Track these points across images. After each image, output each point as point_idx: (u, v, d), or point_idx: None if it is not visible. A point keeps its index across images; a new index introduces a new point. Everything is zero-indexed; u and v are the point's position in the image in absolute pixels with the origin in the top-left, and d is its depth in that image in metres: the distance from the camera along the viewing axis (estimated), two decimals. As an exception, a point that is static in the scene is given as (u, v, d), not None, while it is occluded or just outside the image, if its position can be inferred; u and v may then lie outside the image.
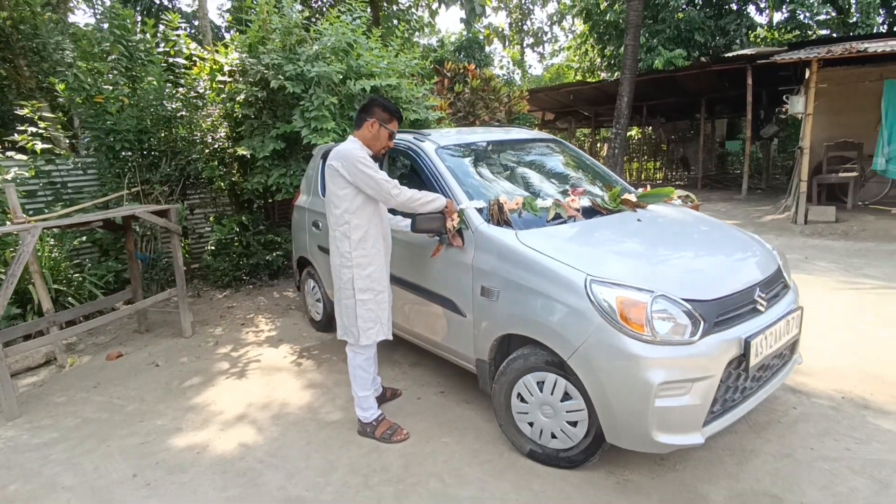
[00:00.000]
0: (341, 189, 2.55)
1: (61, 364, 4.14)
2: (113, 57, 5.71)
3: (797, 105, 7.67)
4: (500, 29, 25.43)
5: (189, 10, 17.91)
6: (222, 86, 5.60)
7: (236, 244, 6.31)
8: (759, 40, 16.12)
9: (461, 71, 8.80)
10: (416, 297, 3.08)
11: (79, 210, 5.70)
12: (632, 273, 2.23)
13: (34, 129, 6.00)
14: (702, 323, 2.08)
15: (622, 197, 3.04)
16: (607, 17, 15.68)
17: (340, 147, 2.58)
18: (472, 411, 3.03)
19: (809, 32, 15.33)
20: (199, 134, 6.01)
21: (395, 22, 6.58)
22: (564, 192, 3.07)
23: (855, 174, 8.29)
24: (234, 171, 6.04)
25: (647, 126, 16.71)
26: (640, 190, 3.33)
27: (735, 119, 17.16)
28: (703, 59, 12.36)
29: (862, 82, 8.43)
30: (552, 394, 2.32)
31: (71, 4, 11.64)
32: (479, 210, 2.73)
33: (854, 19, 14.22)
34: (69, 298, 4.99)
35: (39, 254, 5.03)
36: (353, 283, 2.63)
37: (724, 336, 2.12)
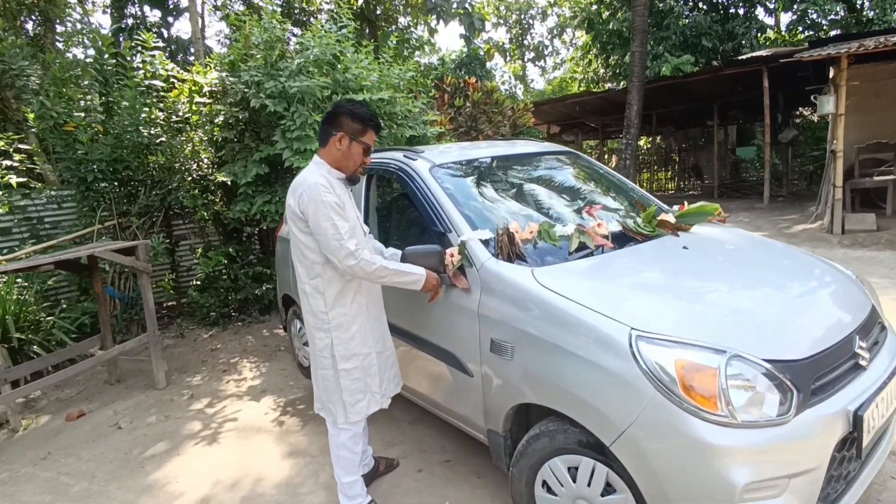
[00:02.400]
0: (305, 233, 2.03)
1: (14, 427, 3.62)
2: (86, 82, 5.29)
3: (826, 105, 7.11)
4: (500, 43, 25.18)
5: (186, 36, 17.79)
6: (203, 108, 5.15)
7: (224, 278, 5.81)
8: (769, 42, 15.63)
9: (462, 85, 8.35)
10: (411, 348, 2.54)
11: (51, 247, 5.25)
12: (691, 323, 1.68)
13: (8, 163, 5.61)
14: (795, 393, 1.51)
15: (658, 217, 2.49)
16: (610, 27, 15.28)
17: (300, 176, 2.06)
18: (485, 489, 2.45)
19: (821, 33, 14.82)
20: (179, 160, 5.56)
21: (394, 42, 6.09)
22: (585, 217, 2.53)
23: (893, 177, 7.67)
24: (217, 200, 5.56)
25: (657, 135, 16.19)
26: (677, 208, 2.78)
27: (747, 124, 16.60)
28: (714, 62, 11.86)
29: (892, 78, 7.86)
30: (589, 485, 1.75)
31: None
32: (485, 242, 2.20)
33: (869, 15, 13.70)
34: (35, 347, 4.50)
35: (4, 295, 4.56)
36: (332, 349, 2.10)
37: (826, 409, 1.55)
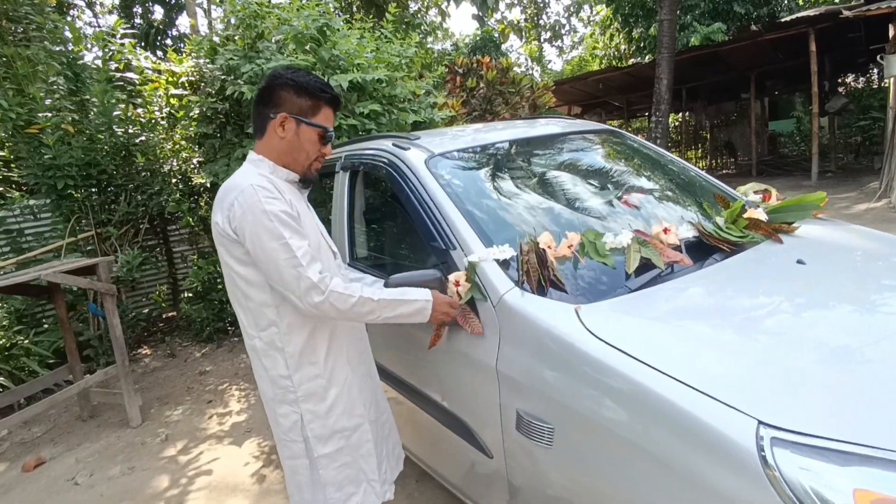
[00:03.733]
0: (244, 263, 1.39)
1: (-38, 482, 3.10)
2: (52, 78, 4.74)
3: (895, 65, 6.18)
4: (515, 22, 24.14)
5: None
6: (180, 101, 4.55)
7: (219, 288, 5.25)
8: (808, 4, 14.41)
9: (474, 65, 7.62)
10: (406, 400, 1.89)
11: (25, 262, 4.75)
12: (868, 411, 0.99)
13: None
14: None
15: (746, 215, 1.78)
16: (633, -3, 14.27)
17: (230, 180, 1.42)
18: None
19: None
20: (161, 161, 4.99)
21: (392, 16, 5.36)
22: (645, 221, 1.83)
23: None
24: (203, 203, 4.99)
25: (687, 111, 15.14)
26: (758, 197, 2.06)
27: (783, 96, 15.43)
28: (753, 27, 10.83)
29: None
30: None
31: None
32: (504, 263, 1.52)
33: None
34: (1, 379, 4.00)
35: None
36: (302, 429, 1.46)
37: None
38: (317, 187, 1.55)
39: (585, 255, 1.55)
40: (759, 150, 13.26)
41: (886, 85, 7.45)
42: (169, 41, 16.36)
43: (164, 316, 5.89)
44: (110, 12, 17.05)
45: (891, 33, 7.37)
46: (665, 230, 1.64)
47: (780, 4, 13.69)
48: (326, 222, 2.31)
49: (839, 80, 13.04)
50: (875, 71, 13.82)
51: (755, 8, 13.44)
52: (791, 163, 12.40)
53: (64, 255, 4.48)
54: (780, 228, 1.74)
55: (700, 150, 16.31)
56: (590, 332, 1.25)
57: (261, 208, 1.30)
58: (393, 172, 1.94)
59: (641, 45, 14.97)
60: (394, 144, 2.03)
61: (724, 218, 1.76)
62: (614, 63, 16.90)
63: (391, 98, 4.09)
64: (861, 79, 15.34)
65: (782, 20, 10.14)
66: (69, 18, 12.53)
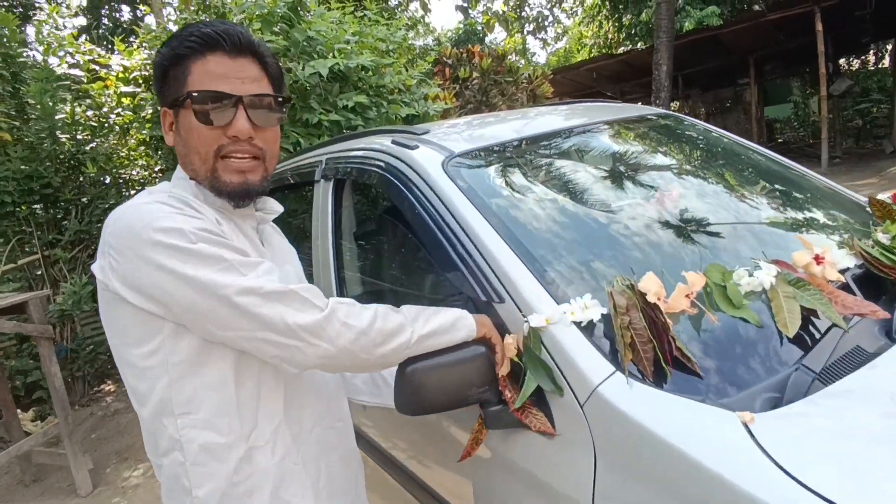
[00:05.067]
0: (136, 337, 0.82)
1: None
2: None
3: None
4: (501, 13, 23.57)
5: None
6: (132, 99, 3.91)
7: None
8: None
9: (464, 55, 7.04)
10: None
11: None
12: None
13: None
14: None
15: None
16: (623, -18, 13.76)
17: (114, 214, 0.84)
18: None
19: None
20: (115, 170, 4.35)
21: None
22: (761, 240, 1.26)
23: None
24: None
25: (685, 98, 14.67)
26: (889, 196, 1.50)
27: (777, 80, 15.04)
28: (756, 7, 10.37)
29: None
30: None
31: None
32: (587, 328, 0.94)
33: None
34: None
35: None
36: None
37: None
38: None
39: (716, 307, 0.98)
40: (760, 139, 12.84)
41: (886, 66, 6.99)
42: (135, 40, 15.59)
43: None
44: (76, 15, 16.20)
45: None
46: (817, 258, 1.07)
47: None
48: (304, 250, 1.72)
49: (839, 63, 12.66)
50: (872, 52, 13.49)
51: (749, -10, 13.00)
52: (794, 149, 11.99)
53: (0, 284, 3.83)
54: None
55: (695, 139, 15.86)
56: (783, 470, 0.67)
57: (157, 226, 0.76)
58: (395, 181, 1.35)
59: (632, 32, 14.47)
60: (394, 142, 1.44)
61: (890, 233, 1.20)
62: (604, 52, 16.41)
63: (378, 89, 3.50)
64: (856, 61, 15.02)
65: (784, -1, 9.70)
66: (35, 22, 11.76)
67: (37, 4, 12.66)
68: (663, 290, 0.96)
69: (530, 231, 1.16)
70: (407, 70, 3.88)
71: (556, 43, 29.33)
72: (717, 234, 1.25)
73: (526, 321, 0.96)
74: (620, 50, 15.88)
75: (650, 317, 0.92)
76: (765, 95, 15.63)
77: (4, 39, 4.32)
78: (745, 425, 0.75)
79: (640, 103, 15.45)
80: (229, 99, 0.84)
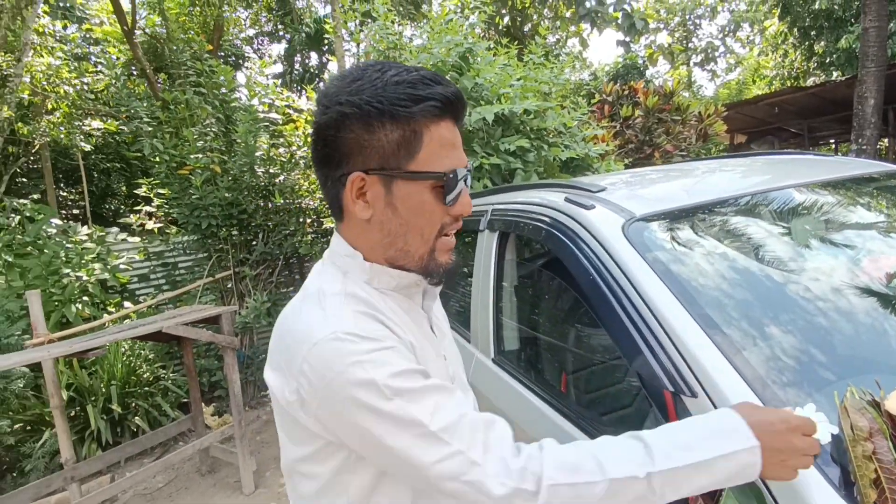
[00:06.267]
0: (310, 460, 0.77)
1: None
2: (207, 121, 4.89)
3: None
4: (666, 46, 22.52)
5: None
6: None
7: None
8: None
9: (626, 92, 6.77)
10: None
11: (180, 296, 4.88)
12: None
13: (148, 208, 5.49)
14: None
15: None
16: (815, 6, 12.24)
17: (298, 307, 0.79)
18: None
19: None
20: (296, 201, 4.90)
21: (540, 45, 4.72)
22: None
23: None
24: (334, 246, 4.77)
25: (894, 137, 12.45)
26: None
27: None
28: None
29: None
30: None
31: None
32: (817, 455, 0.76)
33: None
34: (137, 419, 4.01)
35: (112, 359, 4.18)
36: None
37: None
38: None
39: None
40: None
41: None
42: (322, 84, 17.75)
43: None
44: (275, 62, 19.01)
45: None
46: None
47: None
48: (463, 291, 1.72)
49: None
50: None
51: None
52: None
53: (200, 295, 4.49)
54: None
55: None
56: None
57: (351, 378, 0.68)
58: (568, 242, 1.28)
59: (827, 60, 12.75)
60: (567, 200, 1.37)
61: None
62: (789, 83, 14.69)
63: (539, 132, 3.48)
64: None
65: None
66: (245, 70, 14.06)
67: (246, 55, 15.14)
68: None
69: (727, 309, 1.01)
70: (568, 112, 3.82)
71: (727, 74, 27.14)
72: None
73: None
74: (810, 81, 14.09)
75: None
76: None
77: (223, 88, 5.18)
78: None
79: (832, 141, 13.53)
80: (459, 180, 0.77)
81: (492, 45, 3.95)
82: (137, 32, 7.11)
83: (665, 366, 0.95)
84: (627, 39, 15.23)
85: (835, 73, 12.22)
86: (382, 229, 0.78)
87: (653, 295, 1.03)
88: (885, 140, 11.54)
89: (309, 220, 4.99)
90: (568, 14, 13.86)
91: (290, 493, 0.85)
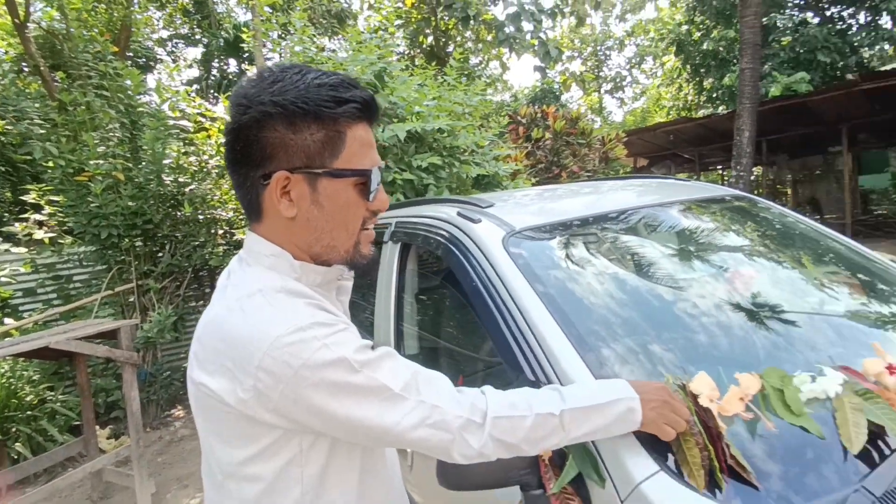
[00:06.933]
0: (270, 451, 0.79)
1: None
2: (109, 125, 4.64)
3: None
4: (580, 73, 23.99)
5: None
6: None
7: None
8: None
9: (538, 115, 7.22)
10: None
11: (72, 311, 4.54)
12: None
13: (38, 216, 5.07)
14: None
15: None
16: (704, 47, 13.68)
17: (232, 304, 0.79)
18: None
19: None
20: (207, 211, 4.76)
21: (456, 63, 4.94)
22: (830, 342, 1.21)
23: None
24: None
25: (769, 165, 14.06)
26: None
27: (872, 150, 14.10)
28: (849, 76, 9.96)
29: None
30: None
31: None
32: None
33: None
34: (18, 444, 3.68)
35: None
36: None
37: None
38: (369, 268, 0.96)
39: (768, 412, 0.95)
40: (854, 210, 12.00)
41: None
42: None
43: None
44: (190, 66, 18.20)
45: None
46: (890, 368, 1.02)
47: (871, 50, 12.71)
48: (367, 302, 1.81)
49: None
50: None
51: (841, 57, 12.52)
52: (893, 223, 11.09)
53: (97, 310, 4.23)
54: None
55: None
56: None
57: (318, 360, 0.72)
58: (456, 252, 1.42)
59: (714, 95, 14.25)
60: (459, 214, 1.52)
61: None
62: (683, 114, 16.19)
63: (452, 149, 3.66)
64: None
65: (883, 69, 9.24)
66: (155, 74, 13.34)
67: (159, 57, 14.41)
68: (717, 391, 0.95)
69: (586, 313, 1.18)
70: (480, 131, 4.05)
71: (633, 102, 29.35)
72: (783, 329, 1.21)
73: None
74: (700, 113, 15.62)
75: (705, 421, 0.91)
76: (859, 164, 14.69)
77: (129, 91, 4.95)
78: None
79: (719, 167, 14.96)
80: (375, 176, 0.84)
81: (408, 66, 4.11)
82: (31, 26, 6.62)
83: (529, 360, 1.10)
84: (543, 66, 16.12)
85: (721, 107, 13.66)
86: (308, 226, 0.82)
87: (522, 299, 1.18)
88: (759, 167, 13.03)
89: (221, 232, 4.86)
90: (489, 38, 14.46)
91: (227, 501, 0.83)
